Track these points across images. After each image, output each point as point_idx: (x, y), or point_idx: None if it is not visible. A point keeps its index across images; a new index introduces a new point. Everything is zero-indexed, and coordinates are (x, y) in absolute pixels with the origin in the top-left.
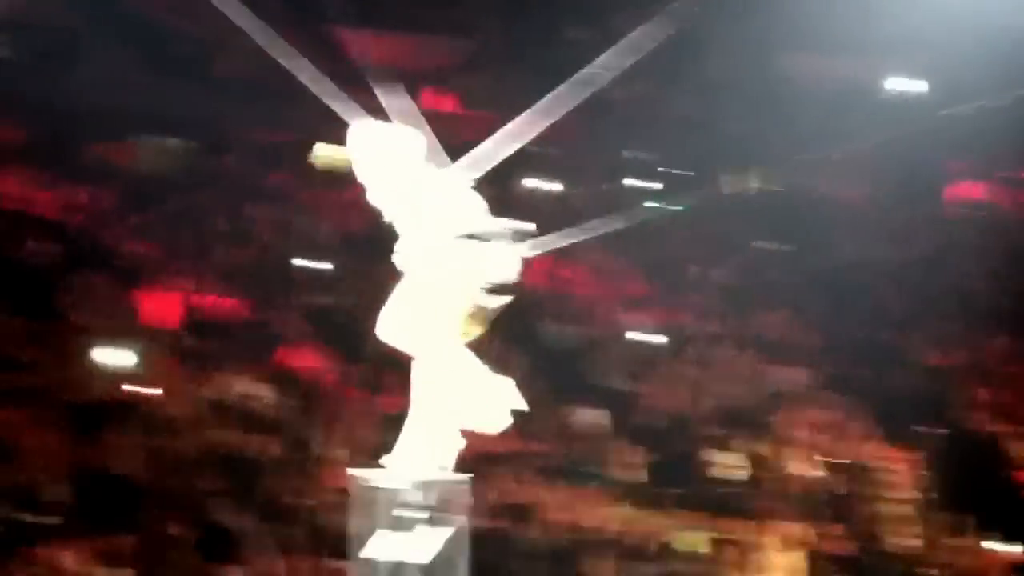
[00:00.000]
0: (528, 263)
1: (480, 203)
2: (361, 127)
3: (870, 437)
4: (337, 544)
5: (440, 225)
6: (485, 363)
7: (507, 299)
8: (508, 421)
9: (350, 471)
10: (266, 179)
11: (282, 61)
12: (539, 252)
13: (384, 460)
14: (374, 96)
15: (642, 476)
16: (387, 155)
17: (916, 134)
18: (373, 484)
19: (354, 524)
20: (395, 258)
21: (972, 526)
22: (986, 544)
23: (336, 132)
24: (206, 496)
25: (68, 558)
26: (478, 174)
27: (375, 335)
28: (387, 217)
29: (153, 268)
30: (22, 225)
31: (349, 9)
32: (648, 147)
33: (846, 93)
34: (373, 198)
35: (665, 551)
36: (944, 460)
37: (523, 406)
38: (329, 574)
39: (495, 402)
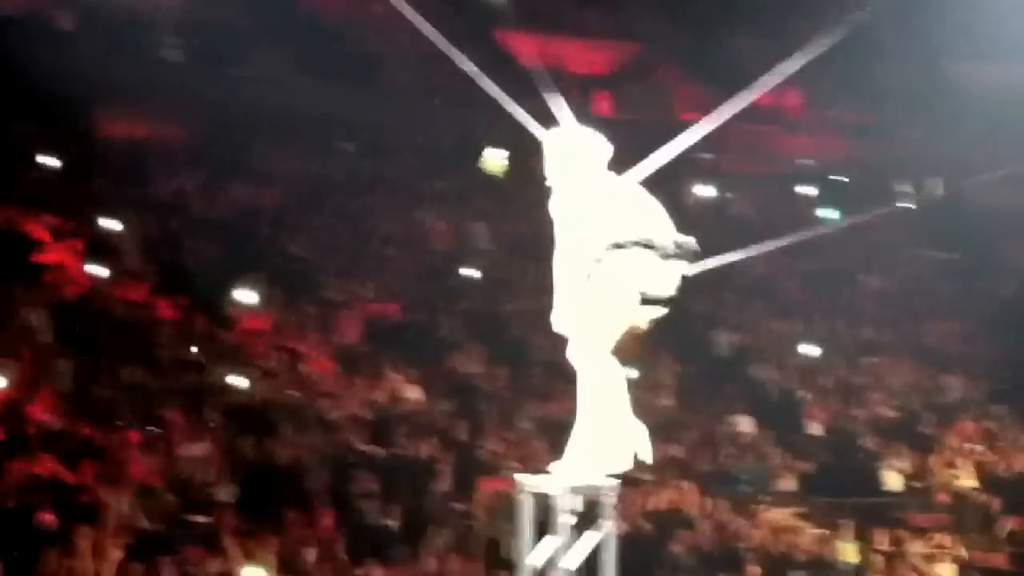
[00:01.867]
0: (688, 279)
1: (659, 213)
2: (560, 131)
3: None
4: (494, 548)
5: (612, 233)
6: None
7: (662, 312)
8: (627, 467)
9: (517, 476)
10: (431, 184)
11: (460, 65)
12: (701, 269)
13: (552, 467)
14: (541, 100)
15: (796, 485)
16: (580, 159)
17: None
18: (531, 489)
19: (513, 529)
20: (580, 263)
21: None
22: None
23: (503, 138)
24: (365, 497)
25: (223, 555)
26: (639, 179)
27: (540, 342)
28: (563, 224)
29: (321, 272)
30: (194, 226)
31: (517, 13)
32: (816, 154)
33: (1016, 101)
34: (556, 204)
35: (816, 561)
36: None
37: (648, 458)
38: None
39: (623, 445)
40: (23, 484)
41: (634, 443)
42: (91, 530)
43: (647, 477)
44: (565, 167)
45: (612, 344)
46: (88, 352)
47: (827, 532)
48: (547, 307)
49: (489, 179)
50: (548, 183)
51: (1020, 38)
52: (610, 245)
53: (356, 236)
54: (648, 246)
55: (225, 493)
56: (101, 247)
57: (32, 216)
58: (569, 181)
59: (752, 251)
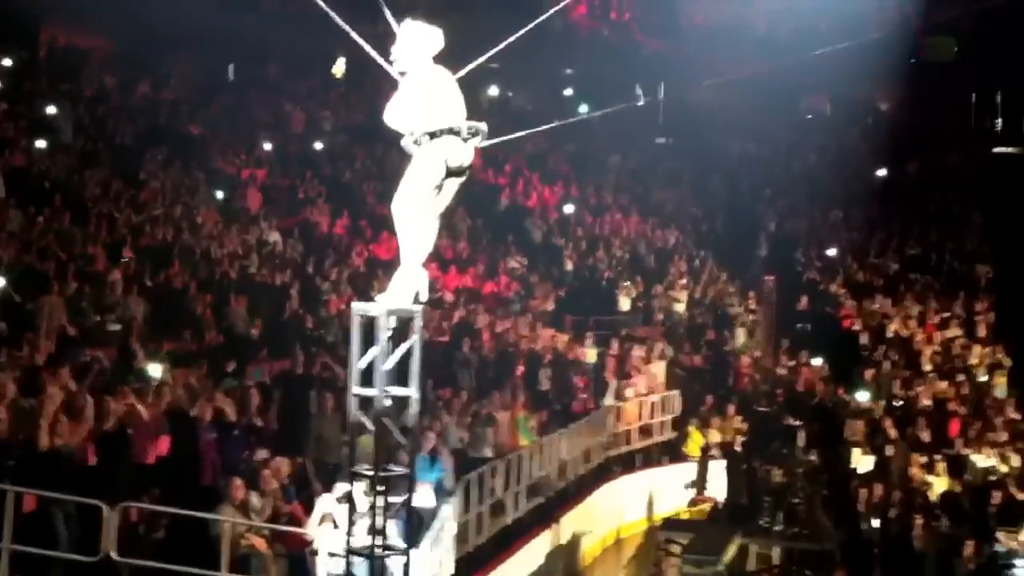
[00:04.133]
0: (479, 152)
1: (460, 102)
2: (413, 23)
3: (726, 282)
4: (333, 348)
5: (428, 121)
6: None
7: (463, 178)
8: (406, 303)
9: (354, 304)
10: (293, 84)
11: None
12: (488, 144)
13: (379, 296)
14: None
15: (554, 306)
16: (421, 46)
17: (780, 66)
18: (361, 311)
19: (351, 342)
20: (403, 142)
21: (796, 347)
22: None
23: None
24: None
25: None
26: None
27: (373, 200)
28: (402, 102)
29: (213, 147)
30: (115, 113)
31: None
32: (580, 66)
33: (729, 31)
34: (403, 87)
35: (565, 360)
36: (781, 300)
37: (424, 298)
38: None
39: (407, 284)
40: None
41: (416, 285)
42: (33, 336)
43: (446, 299)
44: (411, 50)
45: (425, 205)
46: (33, 205)
47: (575, 339)
48: (382, 175)
49: (337, 81)
50: (397, 64)
51: None
52: (425, 133)
53: (237, 122)
54: (453, 131)
55: (135, 310)
56: (43, 127)
57: None
58: (411, 63)
59: (523, 133)
